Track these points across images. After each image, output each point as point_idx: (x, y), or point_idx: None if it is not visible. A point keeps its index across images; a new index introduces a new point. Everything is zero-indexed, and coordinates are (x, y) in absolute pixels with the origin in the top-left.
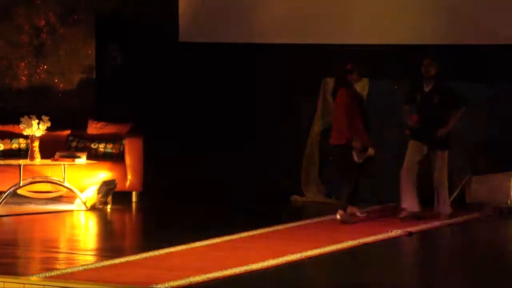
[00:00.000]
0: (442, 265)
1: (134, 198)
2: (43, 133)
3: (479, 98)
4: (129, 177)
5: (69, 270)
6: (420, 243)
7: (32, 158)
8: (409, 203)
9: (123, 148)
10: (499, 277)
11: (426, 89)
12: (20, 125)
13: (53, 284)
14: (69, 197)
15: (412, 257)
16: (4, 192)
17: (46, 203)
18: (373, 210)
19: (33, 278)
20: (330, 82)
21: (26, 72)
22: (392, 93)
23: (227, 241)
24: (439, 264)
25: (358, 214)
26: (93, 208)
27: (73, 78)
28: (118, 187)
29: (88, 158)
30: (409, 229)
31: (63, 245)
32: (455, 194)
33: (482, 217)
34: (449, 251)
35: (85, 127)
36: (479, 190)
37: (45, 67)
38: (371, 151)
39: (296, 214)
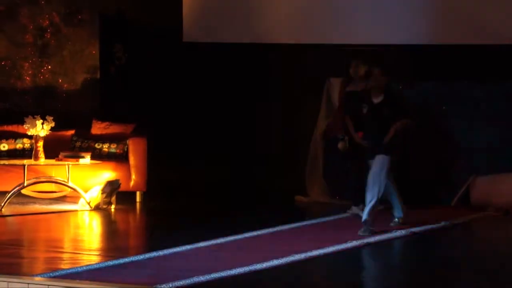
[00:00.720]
0: (444, 265)
1: (138, 198)
2: (47, 133)
3: (482, 98)
4: (133, 177)
5: (73, 270)
6: (423, 243)
7: (36, 158)
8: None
9: (127, 148)
10: (500, 277)
11: (375, 101)
12: (24, 125)
13: (57, 284)
14: (73, 197)
15: (415, 257)
16: (9, 192)
17: (50, 203)
18: (376, 210)
19: (37, 278)
20: (333, 82)
21: (30, 72)
22: None
23: (231, 241)
24: (441, 264)
25: (361, 214)
26: (97, 208)
27: (77, 78)
28: (122, 187)
29: (92, 158)
30: (413, 229)
31: (67, 245)
32: (459, 194)
33: (487, 217)
34: (452, 251)
35: (89, 127)
36: (484, 190)
37: (49, 67)
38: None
39: (300, 214)
